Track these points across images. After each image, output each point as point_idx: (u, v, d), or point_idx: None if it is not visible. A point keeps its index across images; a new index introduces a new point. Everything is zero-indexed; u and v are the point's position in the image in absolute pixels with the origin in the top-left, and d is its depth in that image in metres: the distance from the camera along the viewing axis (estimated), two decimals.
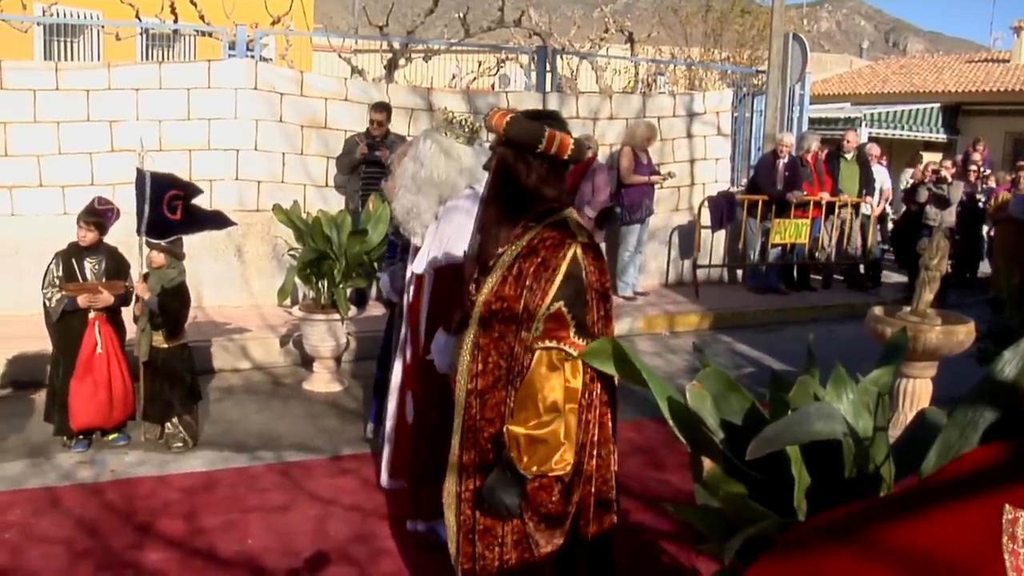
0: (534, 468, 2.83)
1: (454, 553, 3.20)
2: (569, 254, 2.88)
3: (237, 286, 9.66)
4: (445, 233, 4.42)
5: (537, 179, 3.00)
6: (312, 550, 4.73)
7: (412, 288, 4.70)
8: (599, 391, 2.96)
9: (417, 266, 4.56)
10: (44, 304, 5.86)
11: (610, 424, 3.04)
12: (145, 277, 5.91)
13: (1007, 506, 1.50)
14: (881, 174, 13.37)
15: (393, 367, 5.81)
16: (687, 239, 12.27)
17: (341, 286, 7.46)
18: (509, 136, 3.00)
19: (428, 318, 4.51)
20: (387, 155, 8.43)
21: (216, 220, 6.38)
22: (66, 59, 15.99)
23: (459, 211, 4.40)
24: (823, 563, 1.77)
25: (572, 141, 2.99)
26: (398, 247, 5.68)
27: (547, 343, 2.83)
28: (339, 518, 5.12)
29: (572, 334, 2.83)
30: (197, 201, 6.16)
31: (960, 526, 1.55)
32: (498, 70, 20.17)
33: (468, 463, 3.07)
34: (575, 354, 2.83)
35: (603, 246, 8.24)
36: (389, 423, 5.11)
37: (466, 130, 4.57)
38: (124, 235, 6.36)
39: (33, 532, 4.83)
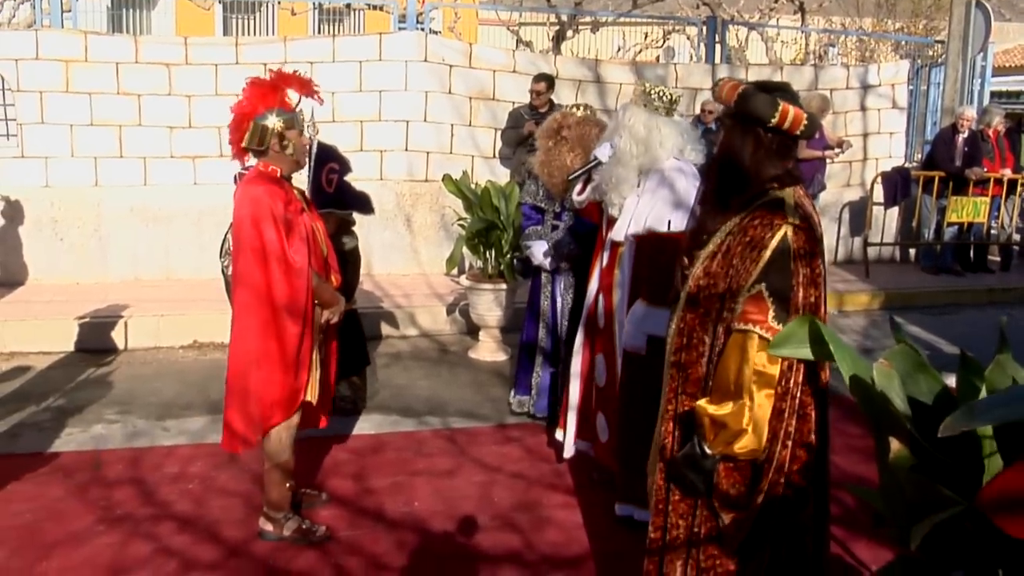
0: (719, 448, 2.81)
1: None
2: (778, 235, 2.77)
3: (406, 255, 9.89)
4: (649, 206, 4.52)
5: (764, 155, 2.88)
6: (478, 516, 4.81)
7: (607, 255, 4.77)
8: (800, 380, 2.82)
9: (616, 234, 4.65)
10: (224, 272, 5.99)
11: (813, 416, 2.89)
12: None
13: None
14: None
15: (556, 332, 5.84)
16: (858, 216, 11.90)
17: (508, 256, 7.53)
18: (739, 109, 2.89)
19: (629, 286, 4.59)
20: None
21: (361, 203, 6.15)
22: (244, 35, 16.57)
23: (664, 184, 4.52)
24: None
25: (806, 116, 2.85)
26: (546, 213, 5.81)
27: (743, 325, 2.76)
28: (504, 485, 5.19)
29: (770, 318, 2.73)
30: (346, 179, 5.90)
31: None
32: (664, 42, 19.89)
33: (666, 434, 3.05)
34: (771, 339, 2.73)
35: None
36: (574, 387, 5.06)
37: (666, 101, 4.66)
38: None
39: (214, 484, 5.10)
